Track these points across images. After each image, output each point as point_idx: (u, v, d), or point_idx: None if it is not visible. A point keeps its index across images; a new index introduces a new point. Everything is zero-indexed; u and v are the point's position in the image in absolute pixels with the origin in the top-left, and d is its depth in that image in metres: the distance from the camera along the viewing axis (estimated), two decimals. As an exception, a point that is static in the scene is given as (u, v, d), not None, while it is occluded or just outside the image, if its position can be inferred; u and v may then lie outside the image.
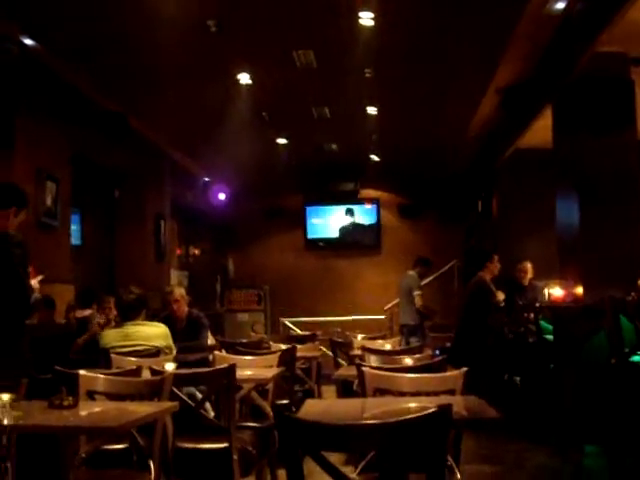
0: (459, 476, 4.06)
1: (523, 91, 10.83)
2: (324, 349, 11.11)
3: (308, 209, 17.88)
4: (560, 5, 8.33)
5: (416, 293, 12.55)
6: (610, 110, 8.73)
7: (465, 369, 4.22)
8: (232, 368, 5.13)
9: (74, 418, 3.66)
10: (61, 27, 8.48)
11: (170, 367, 5.33)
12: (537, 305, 9.62)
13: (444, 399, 3.91)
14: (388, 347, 8.23)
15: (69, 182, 10.22)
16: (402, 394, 4.21)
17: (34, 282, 6.21)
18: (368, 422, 2.77)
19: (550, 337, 9.06)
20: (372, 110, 12.27)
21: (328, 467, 2.69)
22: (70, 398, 3.80)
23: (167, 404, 4.25)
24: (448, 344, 11.95)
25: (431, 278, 14.74)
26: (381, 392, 4.31)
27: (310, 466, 2.77)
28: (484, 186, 15.15)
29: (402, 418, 2.61)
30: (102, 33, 8.68)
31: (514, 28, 8.80)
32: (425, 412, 2.58)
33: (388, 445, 2.66)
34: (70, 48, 9.01)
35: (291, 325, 16.15)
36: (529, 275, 11.36)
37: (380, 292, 15.98)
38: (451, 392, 4.12)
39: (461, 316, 11.15)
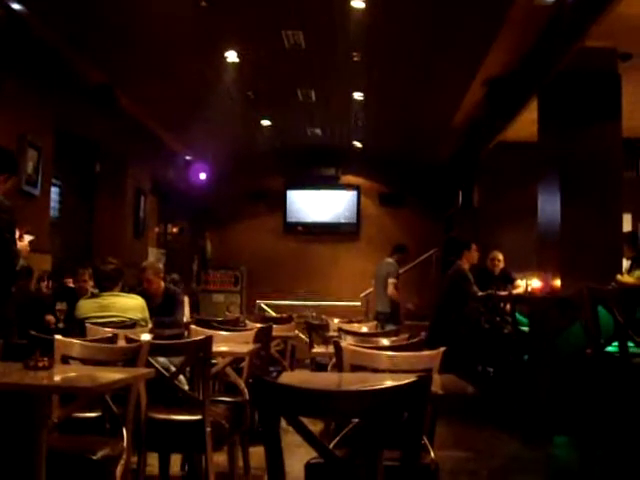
0: (433, 455, 4.05)
1: (509, 83, 10.84)
2: (299, 333, 11.09)
3: (288, 192, 17.84)
4: (551, -3, 8.34)
5: (390, 281, 12.50)
6: (596, 104, 8.76)
7: (443, 349, 4.21)
8: (209, 340, 5.10)
9: (48, 379, 3.63)
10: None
11: (146, 338, 5.30)
12: (511, 294, 9.69)
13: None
14: (365, 330, 8.23)
15: (51, 151, 10.14)
16: (379, 371, 4.20)
17: (25, 243, 6.19)
18: (346, 389, 2.77)
19: (526, 328, 9.09)
20: (358, 95, 12.26)
21: (305, 433, 2.68)
22: (45, 359, 3.76)
23: (143, 370, 4.21)
24: (423, 333, 11.94)
25: (409, 267, 14.73)
26: (358, 368, 4.30)
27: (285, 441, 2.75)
28: (466, 177, 15.17)
29: (381, 386, 2.60)
30: (91, 1, 8.61)
31: (504, 19, 8.81)
32: (404, 382, 2.57)
33: (367, 413, 2.65)
34: (58, 15, 8.93)
35: (267, 308, 16.12)
36: (501, 265, 11.39)
37: (357, 279, 15.95)
38: (428, 371, 4.10)
39: (438, 305, 11.16)
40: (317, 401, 2.59)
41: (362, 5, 8.63)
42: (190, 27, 9.38)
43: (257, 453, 5.58)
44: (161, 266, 9.32)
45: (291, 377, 3.92)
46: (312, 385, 2.86)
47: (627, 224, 11.67)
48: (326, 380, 4.03)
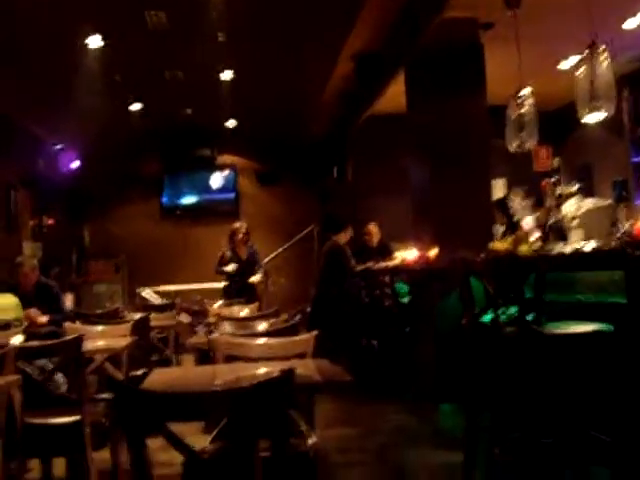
0: (314, 440, 4.02)
1: (376, 58, 10.88)
2: (184, 317, 11.00)
3: (165, 176, 17.61)
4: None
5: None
6: (461, 74, 8.86)
7: (315, 332, 4.21)
8: (79, 339, 4.98)
9: None
10: None
11: (17, 340, 5.18)
12: (388, 267, 9.76)
13: (295, 363, 3.87)
14: (244, 313, 8.21)
15: None
16: (253, 360, 4.17)
17: None
18: (205, 390, 2.72)
19: (406, 300, 9.17)
20: (227, 74, 12.13)
21: (172, 439, 2.62)
22: None
23: (9, 378, 4.09)
24: (308, 309, 11.97)
25: (290, 243, 14.79)
26: (233, 359, 4.26)
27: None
28: (339, 151, 15.23)
29: (241, 385, 2.56)
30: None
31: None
32: (266, 378, 2.54)
33: (229, 412, 2.62)
34: None
35: (150, 295, 15.89)
36: (375, 237, 11.44)
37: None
38: (301, 356, 4.10)
39: (318, 281, 11.17)
40: (177, 405, 2.54)
41: (223, -15, 8.54)
42: (52, 13, 9.09)
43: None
44: (36, 261, 9.07)
45: (161, 376, 3.83)
46: (183, 384, 2.81)
47: (501, 190, 11.90)
48: (199, 375, 3.97)
